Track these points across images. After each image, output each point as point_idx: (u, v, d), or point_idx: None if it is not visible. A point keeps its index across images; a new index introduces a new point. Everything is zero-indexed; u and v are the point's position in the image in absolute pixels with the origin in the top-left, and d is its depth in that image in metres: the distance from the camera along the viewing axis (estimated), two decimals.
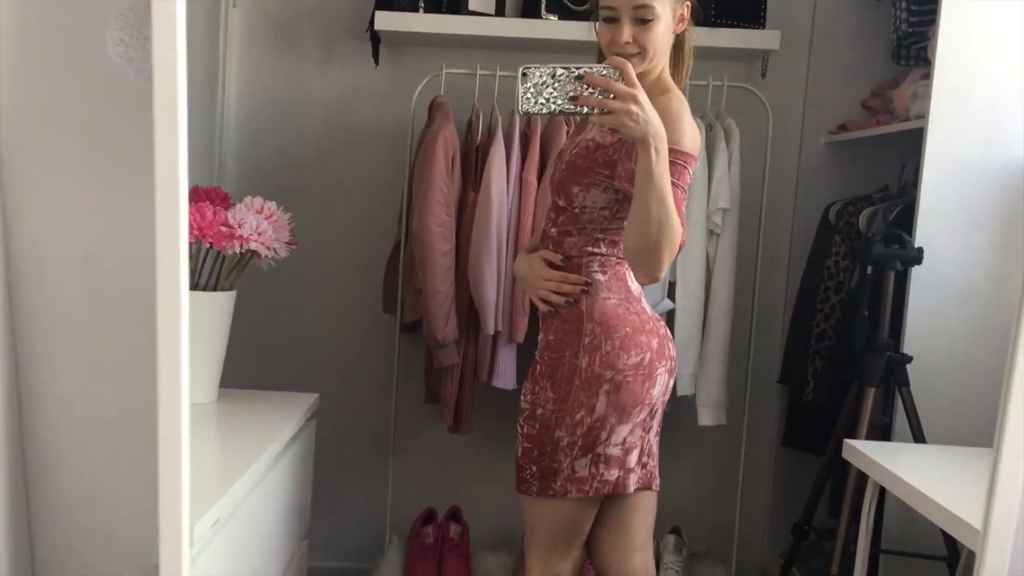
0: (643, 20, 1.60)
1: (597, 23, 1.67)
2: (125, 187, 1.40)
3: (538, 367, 1.74)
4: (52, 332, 1.44)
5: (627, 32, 1.60)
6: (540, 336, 1.77)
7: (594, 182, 1.66)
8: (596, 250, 1.70)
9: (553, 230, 1.74)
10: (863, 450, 1.77)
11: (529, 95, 1.43)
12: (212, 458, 1.56)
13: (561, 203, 1.71)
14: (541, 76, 1.43)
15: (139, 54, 1.27)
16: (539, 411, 1.70)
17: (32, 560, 1.49)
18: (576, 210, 1.69)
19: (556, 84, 1.43)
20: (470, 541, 2.62)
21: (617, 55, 1.57)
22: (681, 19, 1.66)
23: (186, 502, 1.16)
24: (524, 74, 1.43)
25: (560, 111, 1.45)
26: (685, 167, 1.58)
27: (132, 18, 1.27)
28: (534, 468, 1.71)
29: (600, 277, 1.70)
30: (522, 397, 1.76)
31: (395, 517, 2.65)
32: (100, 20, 1.31)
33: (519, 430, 1.75)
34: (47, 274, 1.43)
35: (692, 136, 1.61)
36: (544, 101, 1.43)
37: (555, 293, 1.70)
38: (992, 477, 1.24)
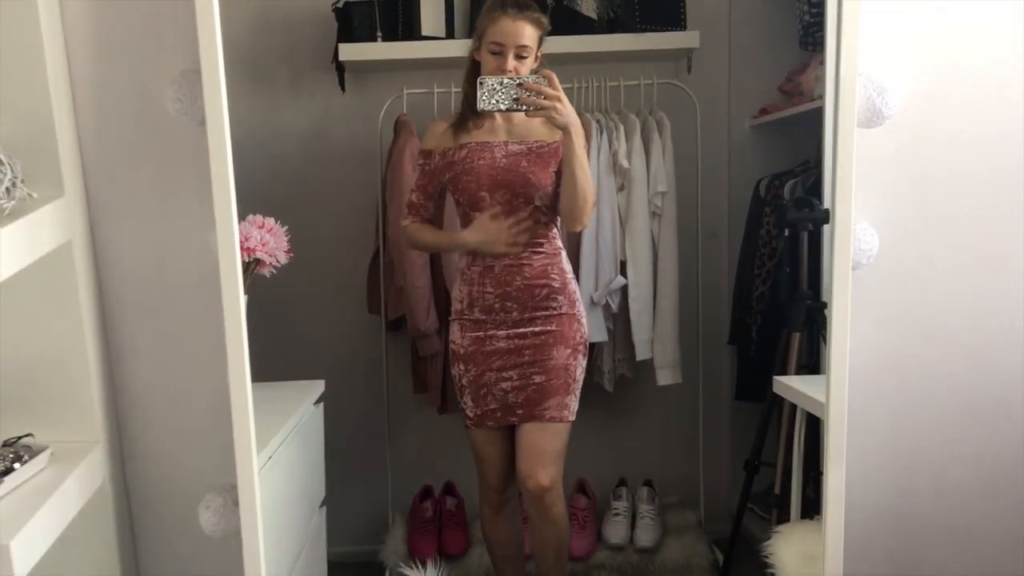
0: (522, 56, 2.09)
1: (478, 51, 2.15)
2: (182, 209, 1.88)
3: None
4: (135, 321, 1.95)
5: (511, 63, 2.09)
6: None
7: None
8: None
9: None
10: (789, 383, 2.08)
11: (484, 97, 1.97)
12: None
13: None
14: (492, 84, 1.97)
15: (192, 108, 1.67)
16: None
17: (127, 491, 2.00)
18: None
19: (503, 89, 1.97)
20: (466, 511, 2.88)
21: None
22: (536, 59, 2.15)
23: (253, 439, 1.67)
24: (481, 83, 1.98)
25: (507, 108, 1.99)
26: (588, 151, 2.31)
27: (184, 83, 1.66)
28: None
29: None
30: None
31: (395, 497, 2.91)
32: (159, 83, 1.76)
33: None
34: (128, 278, 1.91)
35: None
36: (495, 102, 1.98)
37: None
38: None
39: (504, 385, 2.20)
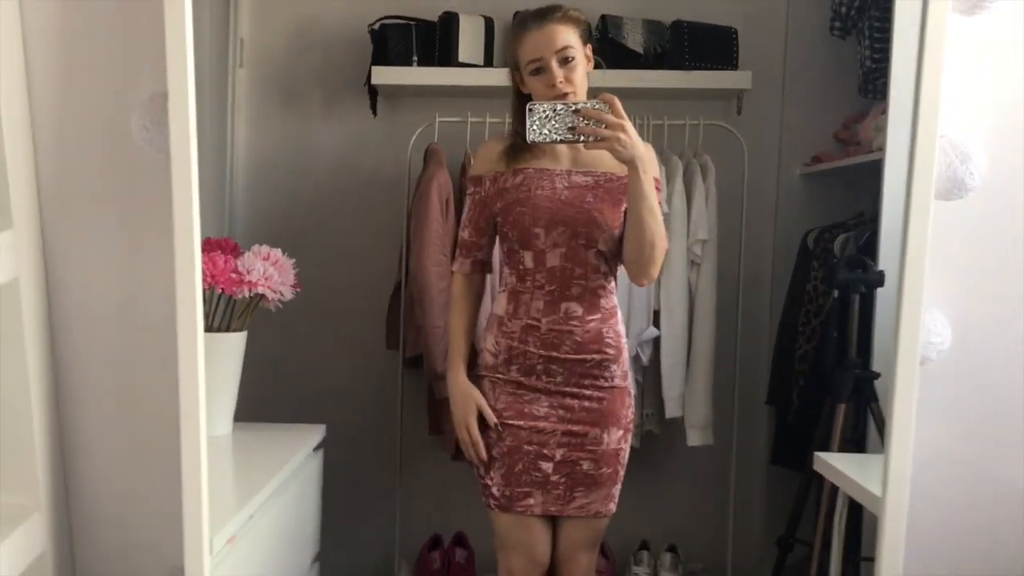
0: (566, 60, 1.81)
1: (522, 83, 1.88)
2: (149, 245, 1.66)
3: None
4: (90, 370, 1.71)
5: (558, 74, 1.80)
6: None
7: None
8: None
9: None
10: (831, 462, 1.89)
11: (535, 127, 1.70)
12: (228, 483, 1.73)
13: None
14: (544, 111, 1.70)
15: (158, 136, 1.50)
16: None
17: (73, 563, 1.74)
18: None
19: (557, 117, 1.70)
20: (475, 564, 2.73)
21: (553, 98, 1.79)
22: (587, 59, 1.87)
23: (206, 514, 1.38)
24: (530, 109, 1.70)
25: (561, 140, 1.72)
26: (659, 190, 1.84)
27: (152, 108, 1.50)
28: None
29: None
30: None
31: (403, 544, 2.78)
32: (125, 107, 1.58)
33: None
34: (85, 320, 1.69)
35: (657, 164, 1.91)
36: (547, 132, 1.70)
37: None
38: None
39: (545, 466, 1.88)
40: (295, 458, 1.92)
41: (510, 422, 1.90)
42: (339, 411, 2.77)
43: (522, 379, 1.91)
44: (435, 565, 2.71)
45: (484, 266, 2.00)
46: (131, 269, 1.70)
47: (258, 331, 2.10)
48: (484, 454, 1.90)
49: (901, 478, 1.53)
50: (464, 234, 1.98)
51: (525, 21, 1.86)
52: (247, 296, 1.90)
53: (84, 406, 1.72)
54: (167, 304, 1.49)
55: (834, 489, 2.01)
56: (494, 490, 1.92)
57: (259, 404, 2.30)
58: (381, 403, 2.81)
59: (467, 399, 1.93)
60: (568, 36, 1.82)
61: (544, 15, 1.84)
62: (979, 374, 1.74)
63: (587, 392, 1.90)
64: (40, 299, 1.65)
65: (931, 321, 1.61)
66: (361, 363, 2.83)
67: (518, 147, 1.90)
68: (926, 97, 1.49)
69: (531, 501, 1.90)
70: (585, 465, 1.89)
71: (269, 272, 1.87)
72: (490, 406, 1.92)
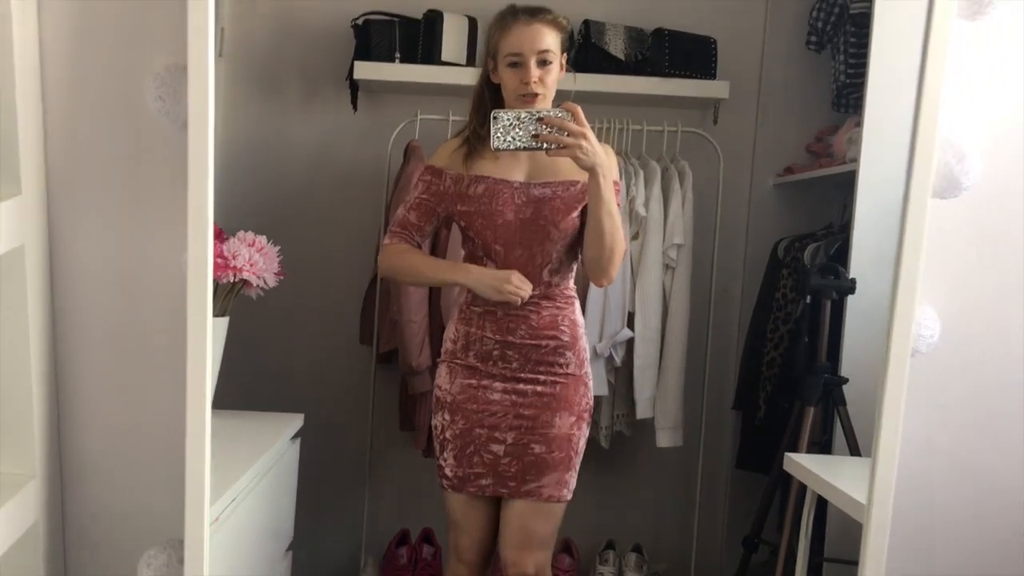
0: (545, 62, 1.85)
1: (494, 71, 1.90)
2: (154, 216, 1.67)
3: None
4: (89, 339, 1.72)
5: (535, 73, 1.84)
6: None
7: None
8: None
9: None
10: (801, 462, 1.94)
11: (499, 134, 1.71)
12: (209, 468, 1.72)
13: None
14: (508, 119, 1.72)
15: (175, 108, 1.50)
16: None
17: (64, 533, 1.75)
18: None
19: (521, 125, 1.71)
20: (442, 561, 2.74)
21: (523, 95, 1.84)
22: (562, 66, 1.91)
23: (207, 487, 1.47)
24: (494, 117, 1.71)
25: (525, 147, 1.73)
26: (618, 192, 1.91)
27: (168, 78, 1.50)
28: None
29: None
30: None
31: (370, 539, 2.77)
32: (137, 78, 1.56)
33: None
34: (87, 290, 1.69)
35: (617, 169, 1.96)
36: (511, 139, 1.71)
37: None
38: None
39: (495, 448, 1.93)
40: (276, 445, 1.92)
41: (463, 405, 1.95)
42: (311, 404, 2.72)
43: (478, 364, 1.95)
44: (401, 561, 2.71)
45: (418, 248, 2.01)
46: (135, 240, 1.70)
47: (234, 320, 2.09)
48: (529, 285, 1.90)
49: (889, 462, 1.60)
50: (410, 216, 1.98)
51: (515, 13, 1.88)
52: (231, 281, 1.89)
53: (82, 376, 1.73)
54: (170, 276, 1.53)
55: (801, 490, 2.06)
56: (447, 471, 1.97)
57: (230, 393, 2.28)
58: (353, 398, 2.80)
59: (492, 272, 1.92)
60: (551, 40, 1.86)
61: (534, 13, 1.87)
62: (966, 367, 1.82)
63: (541, 378, 1.94)
64: (44, 269, 1.67)
65: (921, 315, 1.68)
66: (334, 357, 2.82)
67: (477, 151, 1.92)
68: (927, 98, 1.55)
69: (483, 482, 1.95)
70: (536, 448, 1.93)
71: (255, 258, 1.87)
72: (445, 390, 1.98)
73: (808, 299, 2.20)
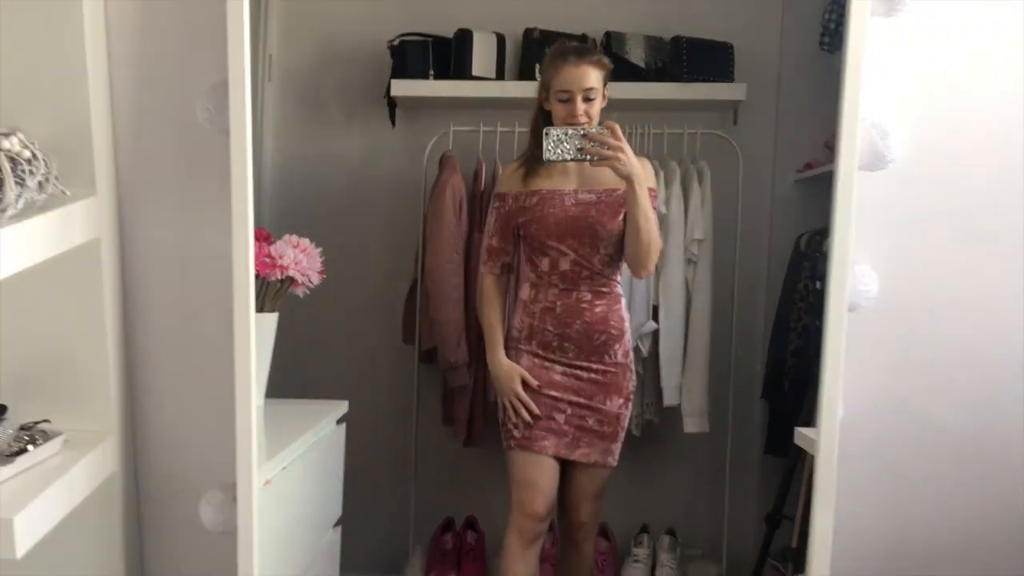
0: (589, 98, 2.16)
1: (546, 100, 2.22)
2: (207, 217, 1.95)
3: None
4: (154, 319, 2.03)
5: (581, 107, 2.15)
6: None
7: None
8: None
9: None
10: (809, 435, 2.04)
11: (550, 148, 2.06)
12: (263, 439, 1.94)
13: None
14: (557, 135, 2.06)
15: (219, 119, 1.76)
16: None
17: (136, 482, 2.07)
18: None
19: (568, 140, 2.05)
20: (486, 546, 2.88)
21: (570, 125, 2.13)
22: (604, 96, 2.20)
23: (254, 434, 1.75)
24: (546, 133, 2.07)
25: (572, 158, 2.07)
26: (655, 198, 2.20)
27: (214, 95, 1.76)
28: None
29: None
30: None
31: (417, 528, 2.92)
32: (191, 94, 1.85)
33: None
34: (152, 278, 2.00)
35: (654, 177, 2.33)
36: (560, 152, 2.06)
37: None
38: None
39: (558, 416, 2.25)
40: (321, 424, 2.18)
41: (531, 375, 2.27)
42: (359, 400, 2.88)
43: (540, 351, 2.28)
44: (447, 547, 2.85)
45: (510, 268, 2.37)
46: (191, 236, 1.99)
47: (285, 320, 2.27)
48: (536, 409, 2.24)
49: (833, 409, 1.85)
50: (493, 242, 2.34)
51: (565, 54, 2.18)
52: (279, 279, 2.08)
53: (150, 348, 2.03)
54: (219, 270, 1.81)
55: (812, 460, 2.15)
56: (515, 432, 2.27)
57: (285, 385, 2.46)
58: (398, 394, 2.94)
59: (511, 371, 2.28)
60: (595, 78, 2.16)
61: (582, 55, 2.17)
62: (903, 319, 1.97)
63: (594, 367, 2.26)
64: (116, 258, 1.95)
65: (861, 273, 1.84)
66: (380, 355, 2.97)
67: (533, 169, 2.25)
68: (849, 85, 1.78)
69: (546, 443, 2.24)
70: (590, 421, 2.26)
71: (299, 258, 2.07)
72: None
73: (817, 284, 2.31)
